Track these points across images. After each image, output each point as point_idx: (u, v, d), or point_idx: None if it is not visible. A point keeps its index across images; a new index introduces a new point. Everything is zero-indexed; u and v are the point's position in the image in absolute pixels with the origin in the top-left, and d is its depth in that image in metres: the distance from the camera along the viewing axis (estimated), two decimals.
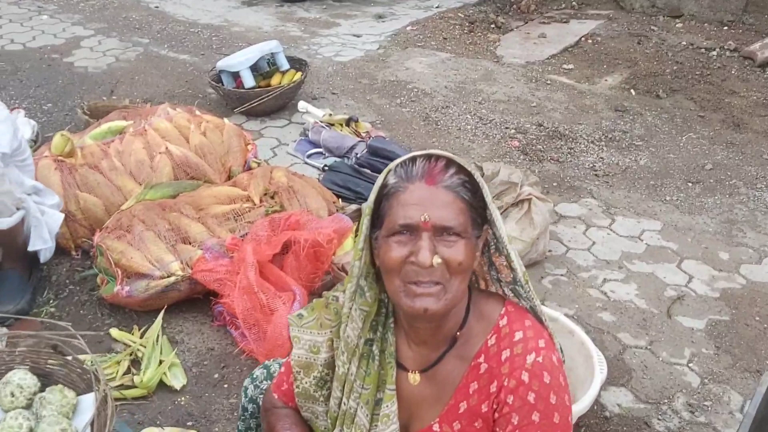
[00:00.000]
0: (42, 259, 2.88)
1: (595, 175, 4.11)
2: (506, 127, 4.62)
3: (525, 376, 1.33)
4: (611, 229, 3.62)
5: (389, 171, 1.37)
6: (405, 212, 1.31)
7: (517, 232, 3.21)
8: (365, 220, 1.38)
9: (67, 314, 2.89)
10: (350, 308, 1.43)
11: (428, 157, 1.35)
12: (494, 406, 1.37)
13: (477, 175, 1.36)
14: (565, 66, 5.66)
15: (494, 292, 1.50)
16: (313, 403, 1.54)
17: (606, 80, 5.42)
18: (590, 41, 6.15)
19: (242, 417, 1.74)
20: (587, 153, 4.35)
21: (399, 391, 1.46)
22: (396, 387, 1.45)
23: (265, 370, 1.73)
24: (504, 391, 1.35)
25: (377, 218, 1.37)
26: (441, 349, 1.42)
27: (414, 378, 1.45)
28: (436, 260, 1.29)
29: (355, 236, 2.95)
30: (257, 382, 1.72)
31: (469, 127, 4.63)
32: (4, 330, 2.73)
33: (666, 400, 2.61)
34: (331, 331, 1.51)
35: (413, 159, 1.35)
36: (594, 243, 3.50)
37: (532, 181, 3.42)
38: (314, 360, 1.51)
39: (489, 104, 4.94)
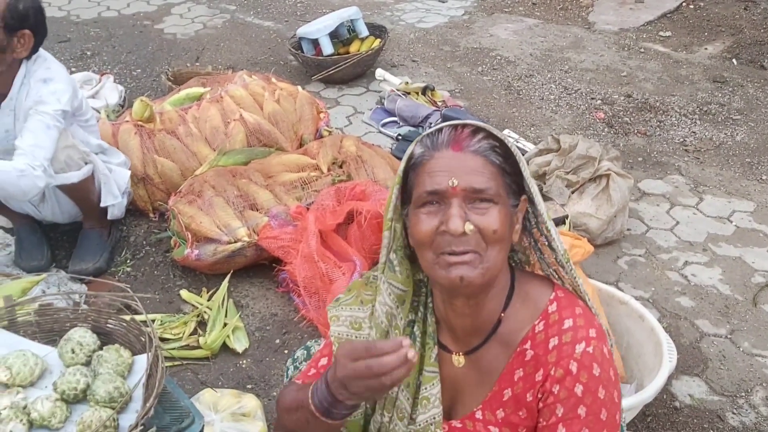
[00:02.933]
0: (109, 216, 2.99)
1: (685, 150, 3.87)
2: (592, 98, 4.41)
3: (573, 366, 1.26)
4: (698, 209, 3.40)
5: (416, 143, 1.32)
6: (432, 179, 1.26)
7: (592, 209, 3.07)
8: (395, 189, 1.34)
9: (141, 274, 3.01)
10: (381, 281, 1.39)
11: (455, 126, 1.29)
12: (539, 396, 1.30)
13: (509, 141, 1.29)
14: (661, 33, 5.33)
15: (541, 275, 1.42)
16: None
17: (706, 49, 5.06)
18: (692, 6, 5.76)
19: None
20: (678, 126, 4.09)
21: (443, 374, 1.41)
22: (439, 369, 1.40)
23: (305, 351, 1.72)
24: (550, 381, 1.27)
25: (406, 193, 1.32)
26: (484, 332, 1.36)
27: (458, 360, 1.39)
28: (468, 227, 1.22)
29: None
30: (297, 363, 1.71)
31: (552, 97, 4.44)
32: (84, 288, 2.88)
33: (743, 394, 2.45)
34: (372, 307, 1.47)
35: (440, 129, 1.30)
36: (678, 223, 3.31)
37: (612, 156, 3.25)
38: (357, 336, 1.45)
39: (576, 73, 4.73)
